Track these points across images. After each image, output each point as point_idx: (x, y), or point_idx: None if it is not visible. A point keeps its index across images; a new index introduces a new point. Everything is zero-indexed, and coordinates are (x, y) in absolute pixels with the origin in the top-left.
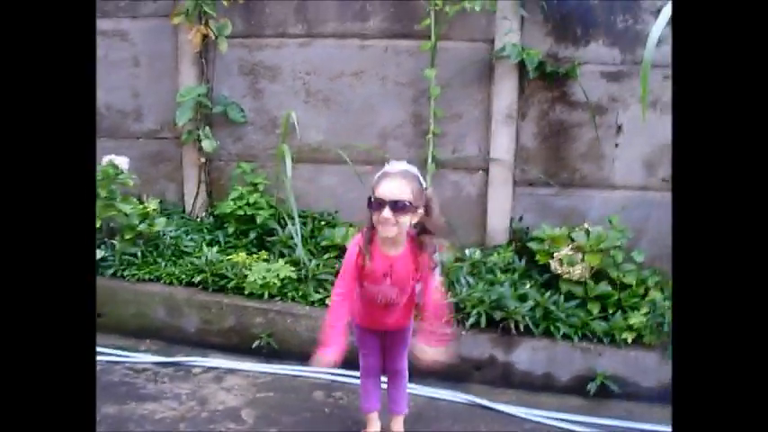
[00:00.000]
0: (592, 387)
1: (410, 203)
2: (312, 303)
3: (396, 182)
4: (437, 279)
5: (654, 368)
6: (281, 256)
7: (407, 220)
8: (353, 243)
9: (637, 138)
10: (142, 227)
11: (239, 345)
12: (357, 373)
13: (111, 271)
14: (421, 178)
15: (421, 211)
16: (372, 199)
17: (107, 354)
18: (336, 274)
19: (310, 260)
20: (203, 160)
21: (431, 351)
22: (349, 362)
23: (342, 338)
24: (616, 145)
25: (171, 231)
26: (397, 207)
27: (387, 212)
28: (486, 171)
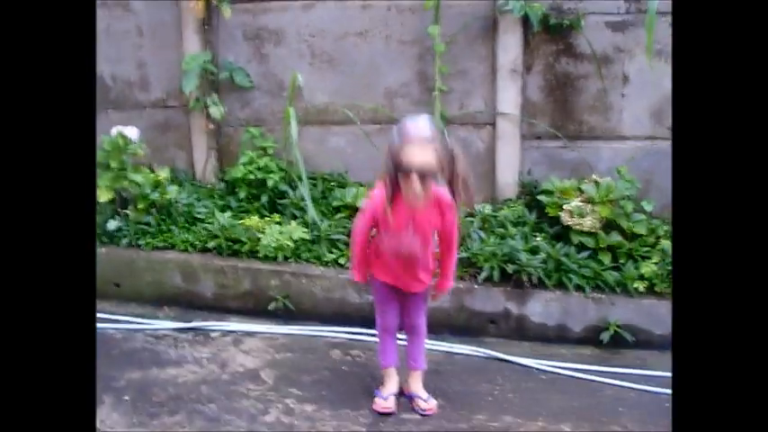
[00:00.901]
0: (605, 337)
1: (436, 168)
2: (326, 264)
3: (424, 150)
4: (456, 233)
5: (666, 316)
6: (294, 218)
7: (433, 182)
8: (376, 195)
9: (644, 87)
10: (154, 196)
11: (256, 307)
12: (373, 332)
13: (126, 241)
14: (443, 135)
15: (446, 168)
16: (399, 164)
17: (127, 322)
18: (349, 233)
19: (322, 221)
20: (212, 127)
21: (440, 297)
22: (365, 320)
23: (364, 264)
24: (623, 95)
25: (183, 199)
26: (425, 174)
27: (415, 180)
28: (494, 126)
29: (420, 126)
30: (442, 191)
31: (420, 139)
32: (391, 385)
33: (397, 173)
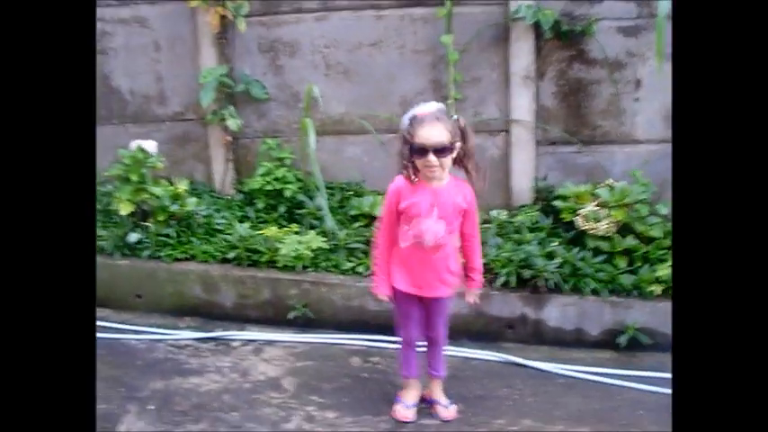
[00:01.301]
0: (622, 340)
1: (451, 144)
2: (344, 272)
3: (435, 127)
4: (477, 217)
5: None
6: (312, 227)
7: (449, 161)
8: (393, 184)
9: (657, 91)
10: (174, 208)
11: (275, 317)
12: (392, 338)
13: (147, 253)
14: (451, 115)
15: (459, 144)
16: (414, 146)
17: (149, 332)
18: (367, 242)
19: (340, 230)
20: (229, 139)
21: (476, 293)
22: (384, 327)
23: (387, 274)
24: (636, 99)
25: (202, 210)
26: (441, 151)
27: (431, 158)
28: (508, 132)
29: (429, 107)
30: (459, 176)
31: (430, 119)
32: (413, 394)
33: (414, 157)
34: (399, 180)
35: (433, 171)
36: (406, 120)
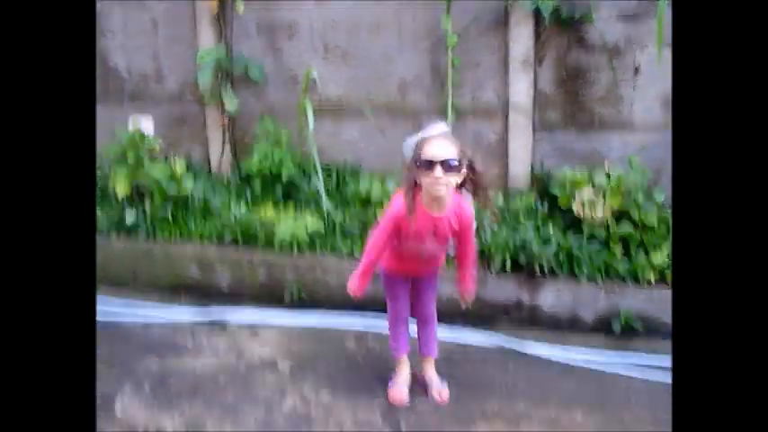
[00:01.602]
0: (616, 326)
1: (459, 162)
2: (340, 255)
3: (442, 143)
4: (474, 242)
5: None
6: (308, 209)
7: (455, 180)
8: (396, 205)
9: (655, 78)
10: (171, 189)
11: (271, 298)
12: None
13: (143, 233)
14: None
15: (464, 171)
16: (420, 161)
17: (144, 313)
18: (365, 227)
19: (336, 212)
20: (227, 120)
21: (472, 294)
22: (379, 310)
23: (367, 278)
24: (634, 87)
25: (199, 191)
26: (448, 166)
27: (438, 172)
28: (506, 117)
29: (438, 125)
30: (464, 201)
31: (440, 135)
32: (404, 374)
33: (420, 171)
34: (400, 204)
35: (438, 187)
36: (412, 142)
